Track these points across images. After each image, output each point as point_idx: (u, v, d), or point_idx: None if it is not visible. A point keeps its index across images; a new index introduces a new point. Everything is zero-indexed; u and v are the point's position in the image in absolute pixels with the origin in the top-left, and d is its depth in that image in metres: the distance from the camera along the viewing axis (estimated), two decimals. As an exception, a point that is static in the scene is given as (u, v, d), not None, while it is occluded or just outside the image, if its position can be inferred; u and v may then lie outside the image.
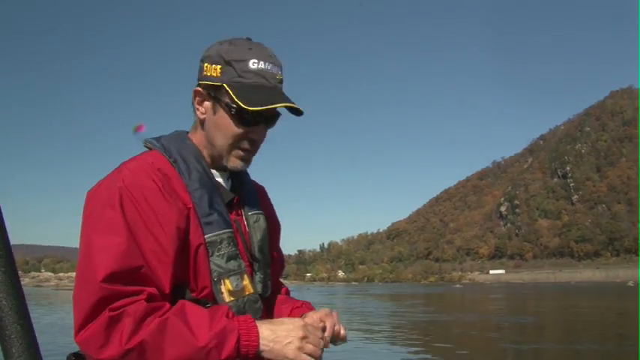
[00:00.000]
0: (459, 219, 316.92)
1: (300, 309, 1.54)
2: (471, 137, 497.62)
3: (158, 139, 1.40)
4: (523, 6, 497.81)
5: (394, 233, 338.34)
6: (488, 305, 37.54)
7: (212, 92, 1.36)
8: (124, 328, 1.09)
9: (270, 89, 1.32)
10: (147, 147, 1.40)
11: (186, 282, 1.27)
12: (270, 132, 1.42)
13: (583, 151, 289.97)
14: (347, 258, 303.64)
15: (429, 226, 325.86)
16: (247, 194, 1.51)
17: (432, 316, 25.24)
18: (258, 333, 1.18)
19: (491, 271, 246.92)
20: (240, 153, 1.38)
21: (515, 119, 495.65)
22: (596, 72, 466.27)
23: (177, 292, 1.25)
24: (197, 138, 1.42)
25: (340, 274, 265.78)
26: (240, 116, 1.33)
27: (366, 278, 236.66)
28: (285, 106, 1.33)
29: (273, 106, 1.29)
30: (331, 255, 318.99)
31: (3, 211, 0.71)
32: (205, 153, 1.41)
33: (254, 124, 1.35)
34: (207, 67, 1.36)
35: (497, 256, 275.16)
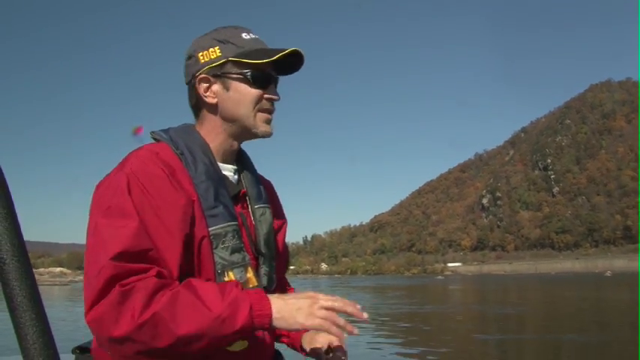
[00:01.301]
0: (441, 211, 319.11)
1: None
2: (454, 130, 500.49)
3: (166, 131, 1.41)
4: (507, 2, 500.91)
5: (377, 226, 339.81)
6: (469, 296, 37.65)
7: (218, 72, 1.39)
8: (136, 303, 1.08)
9: (269, 48, 1.38)
10: (154, 139, 1.40)
11: (190, 274, 1.26)
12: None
13: (563, 143, 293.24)
14: (330, 251, 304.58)
15: (411, 219, 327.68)
16: (254, 187, 1.50)
17: (413, 307, 25.16)
18: (270, 302, 1.16)
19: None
20: (266, 116, 1.40)
21: (498, 112, 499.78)
22: (576, 66, 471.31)
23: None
24: (205, 130, 1.43)
25: (323, 266, 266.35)
26: (255, 78, 1.37)
27: (349, 271, 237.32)
28: (294, 52, 1.35)
29: (285, 52, 1.34)
30: (314, 248, 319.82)
31: (15, 202, 0.71)
32: (213, 145, 1.42)
33: (268, 84, 1.39)
34: (202, 55, 1.39)
35: (479, 247, 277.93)
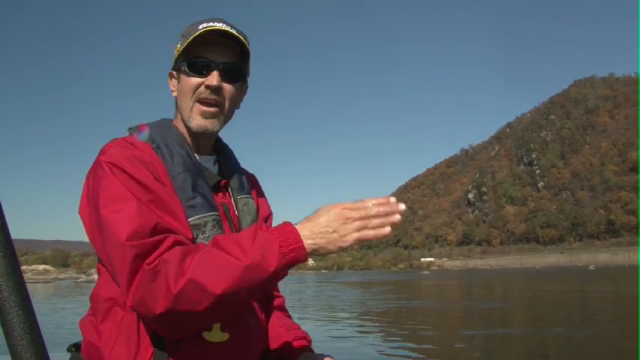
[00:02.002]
0: (427, 206, 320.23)
1: (300, 342, 1.52)
2: (440, 126, 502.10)
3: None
4: (494, 0, 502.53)
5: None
6: (455, 291, 37.76)
7: (175, 66, 1.40)
8: (168, 276, 1.07)
9: (200, 30, 1.32)
10: (131, 134, 1.38)
11: None
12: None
13: (548, 138, 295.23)
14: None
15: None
16: (236, 178, 1.48)
17: (399, 303, 25.13)
18: (298, 233, 1.12)
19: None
20: (202, 108, 1.35)
21: (483, 107, 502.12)
22: (560, 61, 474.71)
23: None
24: (179, 123, 1.42)
25: (310, 262, 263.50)
26: (190, 66, 1.34)
27: (335, 266, 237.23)
28: (215, 29, 1.31)
29: (201, 31, 1.30)
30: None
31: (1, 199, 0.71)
32: (189, 137, 1.40)
33: (207, 71, 1.34)
34: (175, 51, 1.39)
35: (465, 242, 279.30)
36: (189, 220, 1.27)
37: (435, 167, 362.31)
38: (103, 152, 1.27)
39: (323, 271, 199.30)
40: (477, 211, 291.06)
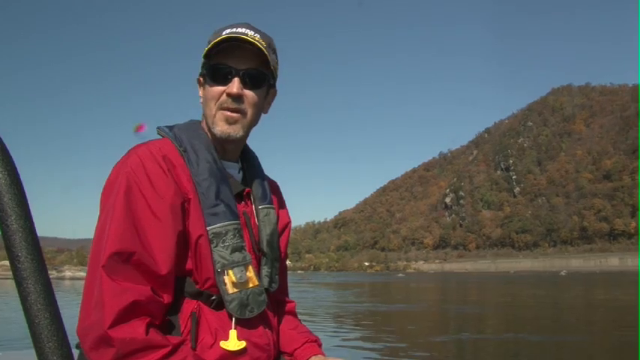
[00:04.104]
0: (405, 209, 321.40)
1: (311, 346, 1.54)
2: (419, 130, 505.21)
3: (171, 127, 1.40)
4: (477, 7, 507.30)
5: (341, 222, 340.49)
6: (430, 295, 37.74)
7: (201, 72, 1.41)
8: (104, 356, 1.09)
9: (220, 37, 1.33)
10: (159, 135, 1.39)
11: (188, 274, 1.27)
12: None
13: (525, 145, 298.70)
14: (294, 246, 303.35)
15: (375, 216, 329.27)
16: (259, 187, 1.48)
17: (374, 306, 24.96)
18: None
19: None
20: (225, 114, 1.35)
21: (462, 113, 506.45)
22: (538, 69, 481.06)
23: (178, 285, 1.26)
24: (206, 127, 1.43)
25: (287, 262, 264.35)
26: (212, 74, 1.35)
27: (312, 267, 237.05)
28: (233, 37, 1.32)
29: (221, 37, 1.31)
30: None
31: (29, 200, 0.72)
32: (215, 142, 1.41)
33: (228, 79, 1.34)
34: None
35: (442, 246, 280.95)
36: (209, 227, 1.28)
37: (414, 170, 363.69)
38: (127, 157, 1.28)
39: (299, 271, 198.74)
40: (453, 215, 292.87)
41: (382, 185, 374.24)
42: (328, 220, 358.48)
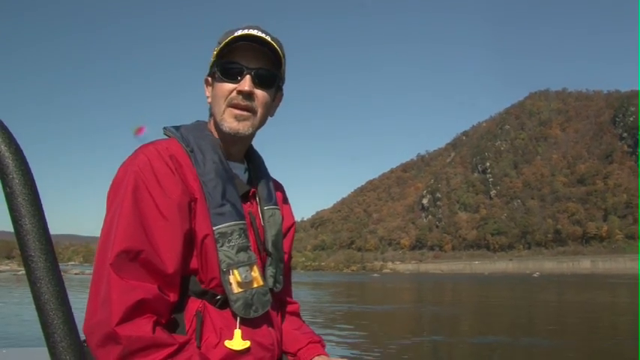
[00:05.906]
0: (382, 210, 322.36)
1: (315, 346, 1.54)
2: (397, 131, 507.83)
3: (178, 127, 1.41)
4: (464, 10, 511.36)
5: (318, 222, 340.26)
6: (404, 295, 37.87)
7: (210, 72, 1.42)
8: (111, 353, 1.10)
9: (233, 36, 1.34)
10: (166, 135, 1.40)
11: (194, 273, 1.29)
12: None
13: (502, 148, 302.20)
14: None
15: (352, 216, 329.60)
16: (264, 188, 1.50)
17: (350, 306, 24.92)
18: None
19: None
20: (235, 111, 1.36)
21: (440, 115, 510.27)
22: (517, 73, 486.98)
23: (184, 284, 1.27)
24: (212, 128, 1.44)
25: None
26: (223, 72, 1.36)
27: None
28: (247, 35, 1.33)
29: (234, 35, 1.32)
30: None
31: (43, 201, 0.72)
32: (222, 142, 1.41)
33: (239, 76, 1.35)
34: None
35: (418, 246, 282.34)
36: (215, 227, 1.29)
37: (392, 171, 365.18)
38: (135, 157, 1.29)
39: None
40: (430, 217, 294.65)
41: (360, 185, 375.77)
42: (305, 219, 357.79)
